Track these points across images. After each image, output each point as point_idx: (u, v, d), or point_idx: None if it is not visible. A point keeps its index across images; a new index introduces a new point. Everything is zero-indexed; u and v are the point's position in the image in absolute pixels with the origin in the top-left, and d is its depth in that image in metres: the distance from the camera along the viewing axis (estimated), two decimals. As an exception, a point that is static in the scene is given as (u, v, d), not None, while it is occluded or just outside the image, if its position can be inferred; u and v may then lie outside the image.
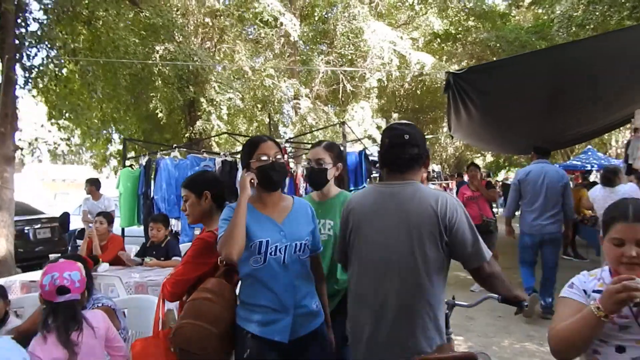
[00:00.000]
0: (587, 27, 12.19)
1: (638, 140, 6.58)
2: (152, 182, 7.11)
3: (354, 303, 2.20)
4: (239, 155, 7.33)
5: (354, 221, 2.22)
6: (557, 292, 2.87)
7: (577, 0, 13.06)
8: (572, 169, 20.22)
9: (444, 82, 6.96)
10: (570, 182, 22.01)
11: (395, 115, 27.25)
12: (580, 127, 8.61)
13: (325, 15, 16.58)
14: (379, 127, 20.21)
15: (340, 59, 16.34)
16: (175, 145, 7.22)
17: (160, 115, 11.07)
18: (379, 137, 20.39)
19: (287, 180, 9.35)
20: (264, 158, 2.35)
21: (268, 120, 9.83)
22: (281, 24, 12.29)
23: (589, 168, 18.43)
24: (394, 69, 15.29)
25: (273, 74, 13.10)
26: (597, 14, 12.31)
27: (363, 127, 18.87)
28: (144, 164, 7.14)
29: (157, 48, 10.17)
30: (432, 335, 2.02)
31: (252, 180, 2.31)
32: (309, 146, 7.25)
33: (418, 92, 25.53)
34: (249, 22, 12.47)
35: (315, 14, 16.17)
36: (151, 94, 11.07)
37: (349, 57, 16.42)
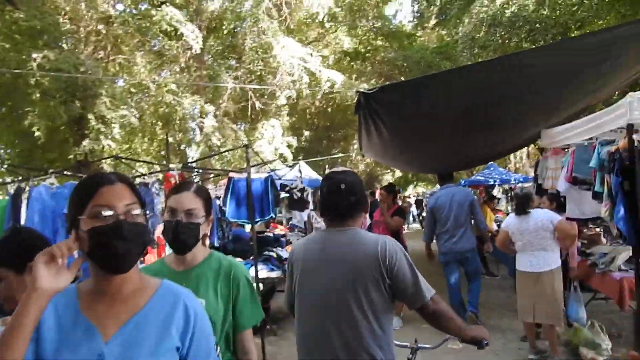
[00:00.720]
0: (489, 48, 12.55)
1: (546, 161, 6.54)
2: (23, 214, 6.00)
3: (303, 350, 2.18)
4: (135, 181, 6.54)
5: (297, 270, 2.22)
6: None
7: (479, 22, 13.46)
8: (476, 184, 20.99)
9: (355, 102, 6.55)
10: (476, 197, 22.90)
11: (306, 133, 27.06)
12: (488, 148, 8.59)
13: (235, 30, 15.90)
14: (289, 146, 19.79)
15: (249, 75, 15.73)
16: (51, 170, 6.09)
17: (37, 133, 9.61)
18: (290, 156, 20.05)
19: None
20: (106, 213, 1.30)
21: (166, 140, 8.90)
22: (182, 35, 11.42)
23: (492, 183, 19.20)
24: (304, 86, 14.91)
25: (176, 89, 12.13)
26: (498, 36, 12.72)
27: (274, 145, 18.37)
28: (12, 192, 6.02)
29: (35, 55, 8.83)
30: None
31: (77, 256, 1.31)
32: (215, 170, 6.45)
33: (329, 109, 25.50)
34: (148, 31, 11.37)
35: (224, 27, 15.42)
36: (27, 109, 9.60)
37: (258, 73, 15.84)
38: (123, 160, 6.89)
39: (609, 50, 6.04)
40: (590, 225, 7.31)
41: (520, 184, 19.42)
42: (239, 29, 15.17)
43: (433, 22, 19.76)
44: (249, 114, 16.01)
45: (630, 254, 5.34)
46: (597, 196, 4.33)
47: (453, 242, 6.30)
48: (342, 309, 2.03)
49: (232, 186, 5.67)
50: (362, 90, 6.58)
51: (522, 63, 5.92)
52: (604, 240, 7.26)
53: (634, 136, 3.96)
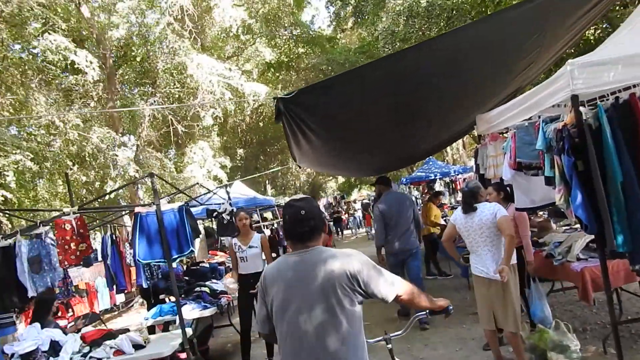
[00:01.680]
0: (410, 40, 12.24)
1: (485, 148, 6.10)
2: None
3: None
4: (16, 237, 5.54)
5: (272, 294, 2.34)
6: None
7: (396, 16, 13.16)
8: (417, 180, 20.95)
9: (274, 110, 5.88)
10: (417, 193, 22.74)
11: (240, 151, 26.18)
12: (422, 143, 8.15)
13: (147, 55, 14.90)
14: (223, 167, 18.90)
15: (166, 99, 14.71)
16: None
17: None
18: (224, 176, 19.13)
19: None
20: None
21: (67, 179, 7.84)
22: (72, 63, 10.32)
23: (433, 177, 19.15)
24: (228, 103, 14.11)
25: (81, 124, 10.98)
26: (417, 27, 12.45)
27: (206, 168, 17.46)
28: None
29: None
30: None
31: None
32: (119, 208, 5.60)
33: (260, 124, 24.80)
34: (39, 66, 10.14)
35: (133, 52, 14.37)
36: None
37: (177, 96, 14.86)
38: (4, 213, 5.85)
39: (530, 25, 5.72)
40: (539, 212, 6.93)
41: (460, 175, 19.44)
42: (150, 53, 14.15)
43: (351, 22, 19.44)
44: (172, 139, 14.96)
45: (587, 240, 4.93)
46: (549, 181, 3.83)
47: (403, 241, 6.81)
48: (319, 321, 2.21)
49: (139, 223, 4.81)
50: (279, 95, 5.94)
51: (439, 47, 5.49)
52: (553, 226, 6.90)
53: (581, 109, 3.47)
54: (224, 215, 7.31)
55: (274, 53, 20.62)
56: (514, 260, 4.51)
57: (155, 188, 4.81)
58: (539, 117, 3.91)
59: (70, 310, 10.51)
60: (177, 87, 14.38)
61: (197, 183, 17.37)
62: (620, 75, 3.40)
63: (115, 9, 13.98)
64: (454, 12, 11.76)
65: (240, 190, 15.17)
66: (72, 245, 4.54)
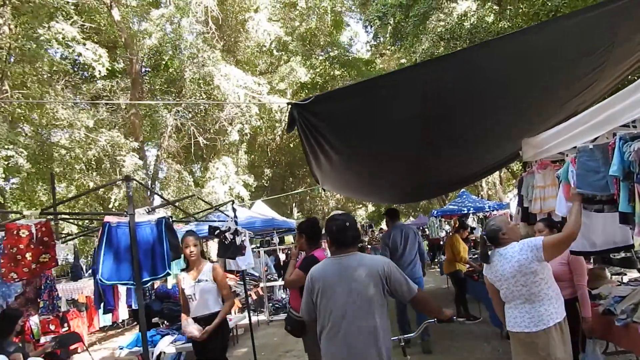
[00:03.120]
0: (450, 63, 11.41)
1: (532, 177, 5.14)
2: None
3: (326, 345, 2.99)
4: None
5: (318, 287, 3.03)
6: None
7: (437, 38, 12.40)
8: (449, 214, 19.88)
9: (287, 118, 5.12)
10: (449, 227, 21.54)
11: (267, 171, 25.58)
12: (456, 168, 7.21)
13: (173, 63, 14.52)
14: (246, 185, 18.25)
15: (190, 110, 14.21)
16: None
17: None
18: (247, 195, 18.45)
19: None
20: None
21: (52, 181, 7.19)
22: (79, 54, 9.81)
23: (465, 211, 18.12)
24: (254, 117, 13.49)
25: (91, 126, 10.45)
26: (458, 49, 11.61)
27: (228, 184, 16.85)
28: None
29: None
30: (386, 352, 2.92)
31: None
32: (86, 215, 4.92)
33: (291, 145, 24.20)
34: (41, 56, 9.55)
35: (163, 60, 14.01)
36: None
37: (202, 107, 14.35)
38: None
39: (595, 35, 4.84)
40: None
41: (494, 211, 18.25)
42: (178, 61, 13.74)
43: (390, 44, 18.76)
44: (194, 152, 14.38)
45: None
46: (626, 219, 2.90)
47: (408, 270, 7.03)
48: (357, 314, 2.90)
49: (107, 234, 3.99)
50: (294, 101, 5.18)
51: (484, 57, 4.68)
52: (608, 274, 5.82)
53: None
54: (227, 234, 6.51)
55: (309, 73, 20.09)
56: (562, 314, 3.52)
57: (130, 194, 4.01)
58: (614, 134, 2.99)
59: (65, 324, 9.85)
60: (202, 98, 13.86)
61: (237, 196, 16.81)
62: None
63: (150, 16, 13.71)
64: (498, 36, 10.90)
65: (260, 210, 14.46)
66: (28, 255, 3.77)
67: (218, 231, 6.46)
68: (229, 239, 6.56)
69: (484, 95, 5.11)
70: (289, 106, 5.03)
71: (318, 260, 4.61)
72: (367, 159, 6.43)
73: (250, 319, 7.30)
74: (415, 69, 4.98)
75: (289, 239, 18.63)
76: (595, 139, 3.56)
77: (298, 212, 33.84)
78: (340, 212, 3.69)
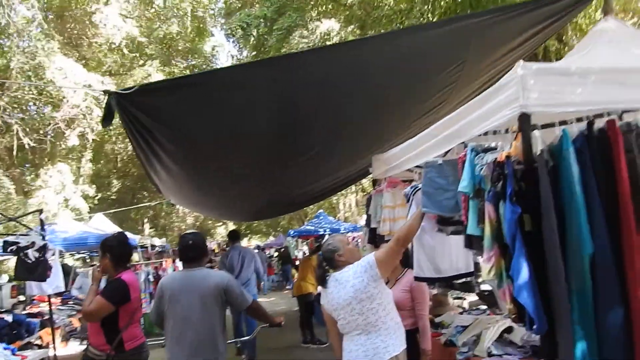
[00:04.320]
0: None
1: (380, 196, 4.78)
2: None
3: (171, 345, 3.48)
4: None
5: (167, 295, 3.49)
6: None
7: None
8: (306, 234, 19.81)
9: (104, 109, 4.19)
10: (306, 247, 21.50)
11: (115, 182, 23.39)
12: (312, 182, 6.75)
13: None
14: (86, 196, 16.32)
15: (15, 105, 12.22)
16: None
17: None
18: (86, 208, 16.46)
19: None
20: None
21: None
22: None
23: (322, 232, 18.20)
24: (95, 120, 11.97)
25: None
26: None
27: (63, 195, 14.87)
28: None
29: None
30: (220, 356, 3.48)
31: None
32: None
33: (143, 155, 22.37)
34: None
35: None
36: None
37: (32, 104, 12.45)
38: None
39: (449, 52, 4.72)
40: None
41: (350, 233, 18.46)
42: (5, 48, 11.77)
43: (252, 58, 18.22)
44: (17, 154, 12.37)
45: (501, 329, 3.68)
46: (472, 242, 2.54)
47: (247, 289, 7.09)
48: (198, 319, 3.40)
49: None
50: (112, 89, 4.29)
51: (341, 56, 4.31)
52: (450, 300, 5.67)
53: (535, 133, 2.23)
54: (29, 251, 5.27)
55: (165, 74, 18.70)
56: (401, 346, 3.08)
57: None
58: (465, 146, 2.63)
59: None
60: (32, 93, 12.00)
61: (74, 209, 14.70)
62: (591, 95, 2.24)
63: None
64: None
65: (100, 225, 12.86)
66: None
67: (15, 247, 5.19)
68: (34, 258, 5.33)
69: (335, 103, 4.72)
70: (107, 95, 4.14)
71: (126, 285, 3.73)
72: (206, 169, 5.68)
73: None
74: (264, 65, 4.39)
75: (136, 256, 16.98)
76: (446, 153, 3.24)
77: (151, 229, 31.51)
78: (191, 231, 4.24)
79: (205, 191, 6.96)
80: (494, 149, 2.43)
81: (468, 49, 4.63)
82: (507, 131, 2.46)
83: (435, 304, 5.32)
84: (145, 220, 29.47)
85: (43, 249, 5.35)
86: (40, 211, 6.07)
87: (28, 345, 6.68)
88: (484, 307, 5.07)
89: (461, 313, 4.70)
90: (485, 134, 2.68)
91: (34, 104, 12.40)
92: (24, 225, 5.77)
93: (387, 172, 4.66)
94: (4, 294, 8.84)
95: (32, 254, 5.27)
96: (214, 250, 31.54)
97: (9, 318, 6.02)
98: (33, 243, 5.30)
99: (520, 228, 2.13)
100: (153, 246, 14.05)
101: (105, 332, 3.63)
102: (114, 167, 22.35)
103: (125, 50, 14.43)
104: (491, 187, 2.31)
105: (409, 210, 3.89)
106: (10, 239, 5.38)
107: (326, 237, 19.20)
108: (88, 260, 15.45)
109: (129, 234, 13.73)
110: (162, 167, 5.59)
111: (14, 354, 4.79)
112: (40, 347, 6.34)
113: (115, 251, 3.83)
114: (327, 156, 5.75)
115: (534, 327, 2.07)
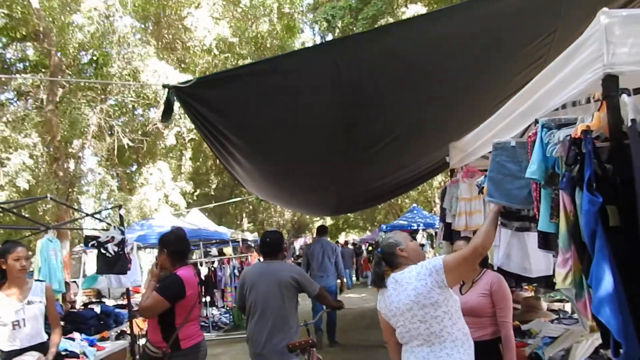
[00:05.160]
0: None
1: (456, 187, 4.30)
2: None
3: (252, 324, 4.05)
4: None
5: (248, 283, 4.11)
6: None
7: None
8: (399, 229, 19.05)
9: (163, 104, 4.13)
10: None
11: (213, 178, 24.30)
12: (386, 175, 6.34)
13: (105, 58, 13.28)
14: (184, 193, 17.06)
15: (117, 109, 13.00)
16: None
17: None
18: (183, 204, 17.24)
19: None
20: None
21: None
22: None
23: (415, 227, 17.50)
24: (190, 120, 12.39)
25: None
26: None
27: (163, 191, 15.66)
28: None
29: None
30: (294, 337, 4.00)
31: None
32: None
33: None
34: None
35: (87, 53, 12.80)
36: None
37: (131, 106, 13.18)
38: None
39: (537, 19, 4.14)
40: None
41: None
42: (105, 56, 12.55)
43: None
44: (117, 154, 13.15)
45: (596, 344, 3.07)
46: (546, 241, 2.05)
47: (323, 280, 7.94)
48: (274, 302, 3.97)
49: None
50: (171, 83, 4.21)
51: (411, 38, 3.91)
52: (544, 304, 4.97)
53: (625, 99, 1.71)
54: (109, 245, 5.43)
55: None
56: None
57: None
58: (535, 122, 2.13)
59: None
60: (130, 96, 12.69)
61: (173, 204, 15.51)
62: None
63: (78, 7, 12.48)
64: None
65: (194, 220, 13.31)
66: None
67: (95, 242, 5.36)
68: (113, 252, 5.48)
69: (409, 85, 4.30)
70: (166, 89, 4.07)
71: (181, 282, 3.63)
72: (275, 163, 5.50)
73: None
74: (324, 48, 4.06)
75: (228, 250, 17.49)
76: (524, 134, 2.73)
77: (249, 224, 32.55)
78: (271, 229, 4.78)
79: (280, 186, 6.82)
80: (572, 123, 1.92)
81: (559, 15, 4.01)
82: (588, 101, 1.95)
83: (524, 309, 4.72)
84: (244, 215, 30.44)
85: (122, 244, 5.50)
86: (120, 207, 6.27)
87: (121, 336, 6.96)
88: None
89: (552, 321, 4.05)
90: (564, 107, 2.17)
91: (133, 107, 13.10)
92: (103, 220, 5.97)
93: (464, 159, 4.17)
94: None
95: (111, 248, 5.44)
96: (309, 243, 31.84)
97: (97, 309, 6.29)
98: (112, 238, 5.46)
99: (603, 223, 1.64)
100: (245, 240, 14.28)
101: (162, 328, 3.55)
102: (213, 164, 23.24)
103: (216, 51, 14.83)
104: (566, 171, 1.82)
105: (484, 205, 3.38)
106: (91, 234, 5.59)
107: (420, 231, 18.60)
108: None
109: (225, 229, 14.17)
110: (235, 162, 5.50)
111: (91, 345, 4.93)
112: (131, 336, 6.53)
113: (172, 247, 3.73)
114: (405, 143, 5.32)
115: (621, 351, 1.57)
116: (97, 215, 6.80)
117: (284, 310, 3.99)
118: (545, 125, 1.99)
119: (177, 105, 4.23)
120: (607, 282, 1.56)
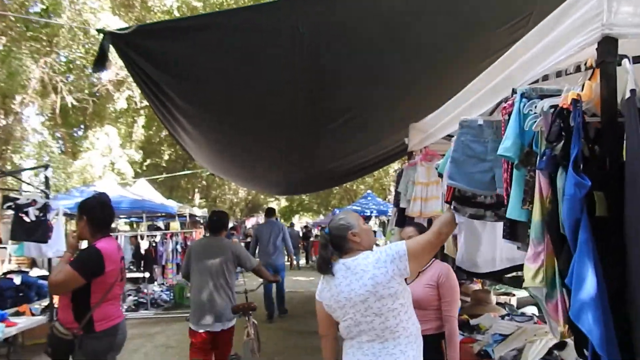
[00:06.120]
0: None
1: (413, 170, 4.01)
2: None
3: (195, 291, 4.51)
4: None
5: (194, 254, 4.61)
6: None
7: None
8: (353, 214, 18.99)
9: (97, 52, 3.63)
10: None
11: (166, 149, 23.43)
12: (343, 156, 6.03)
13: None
14: (133, 162, 16.30)
15: (62, 64, 12.11)
16: None
17: None
18: (130, 172, 16.49)
19: None
20: None
21: None
22: None
23: (369, 214, 17.48)
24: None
25: None
26: None
27: (109, 158, 14.90)
28: None
29: None
30: (232, 300, 4.56)
31: None
32: None
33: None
34: None
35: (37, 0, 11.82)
36: None
37: (79, 63, 12.32)
38: None
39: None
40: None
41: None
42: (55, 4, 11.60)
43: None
44: (60, 114, 12.30)
45: (549, 344, 2.86)
46: (513, 231, 1.79)
47: (270, 258, 8.57)
48: (215, 272, 4.47)
49: None
50: (106, 29, 3.72)
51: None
52: (493, 298, 4.80)
53: (626, 65, 1.43)
54: (30, 209, 4.88)
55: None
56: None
57: None
58: (513, 92, 1.84)
59: None
60: (79, 51, 11.84)
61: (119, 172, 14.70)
62: None
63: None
64: None
65: (140, 191, 12.65)
66: None
67: (13, 204, 4.80)
68: (35, 217, 4.94)
69: (368, 62, 3.98)
70: (101, 35, 3.57)
71: (100, 255, 3.20)
72: (225, 133, 5.10)
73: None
74: (284, 7, 3.66)
75: (176, 225, 16.88)
76: (493, 112, 2.44)
77: (201, 199, 31.71)
78: (218, 209, 5.52)
79: (230, 158, 6.40)
80: (556, 94, 1.63)
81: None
82: (578, 70, 1.66)
83: (473, 302, 4.53)
84: (196, 190, 29.61)
85: (45, 209, 4.96)
86: (46, 167, 5.67)
87: (48, 309, 6.39)
88: (534, 310, 4.23)
89: (503, 317, 3.87)
90: (546, 78, 1.88)
91: (83, 65, 12.23)
92: (23, 181, 5.39)
93: (423, 141, 3.90)
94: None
95: (32, 212, 4.88)
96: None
97: (17, 280, 5.68)
98: (34, 201, 4.91)
99: (588, 212, 1.36)
100: (192, 215, 13.75)
101: (74, 307, 3.08)
102: (167, 135, 22.39)
103: (177, 13, 14.05)
104: (546, 148, 1.53)
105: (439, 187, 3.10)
106: (11, 195, 5.01)
107: (372, 218, 18.52)
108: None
109: (174, 202, 13.57)
110: (181, 128, 5.08)
111: (1, 320, 4.41)
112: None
113: (95, 214, 3.28)
114: (363, 122, 5.01)
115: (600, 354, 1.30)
116: (24, 177, 6.18)
117: (224, 278, 4.52)
118: (525, 95, 1.70)
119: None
120: (590, 283, 1.28)
